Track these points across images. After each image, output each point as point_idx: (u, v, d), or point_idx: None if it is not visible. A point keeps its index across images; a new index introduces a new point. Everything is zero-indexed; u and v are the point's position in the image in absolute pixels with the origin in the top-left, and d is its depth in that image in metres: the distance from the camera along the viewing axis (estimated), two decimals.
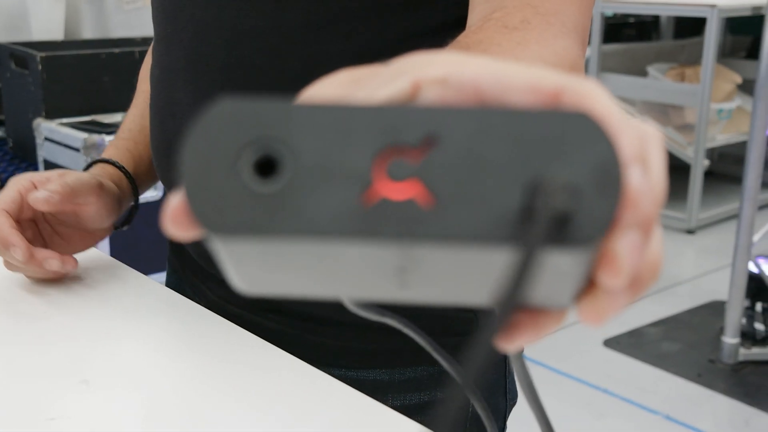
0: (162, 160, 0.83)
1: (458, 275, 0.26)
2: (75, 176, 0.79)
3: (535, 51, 0.51)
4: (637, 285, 0.27)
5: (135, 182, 0.86)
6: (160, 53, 0.80)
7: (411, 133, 0.24)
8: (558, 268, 0.25)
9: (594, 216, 0.24)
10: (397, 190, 0.24)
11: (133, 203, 0.88)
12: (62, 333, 0.70)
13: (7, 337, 0.69)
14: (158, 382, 0.63)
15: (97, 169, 0.85)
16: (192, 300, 0.80)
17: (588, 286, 0.27)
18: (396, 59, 0.32)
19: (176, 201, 0.26)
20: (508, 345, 0.29)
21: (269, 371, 0.65)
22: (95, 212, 0.80)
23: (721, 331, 2.70)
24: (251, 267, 0.27)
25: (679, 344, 2.77)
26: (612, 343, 2.76)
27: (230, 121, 0.24)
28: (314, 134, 0.24)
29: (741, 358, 2.62)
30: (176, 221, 0.26)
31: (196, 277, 0.85)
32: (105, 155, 0.88)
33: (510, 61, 0.44)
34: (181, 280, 0.88)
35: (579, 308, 0.28)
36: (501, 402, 0.84)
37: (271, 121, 0.25)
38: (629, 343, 2.76)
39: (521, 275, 0.23)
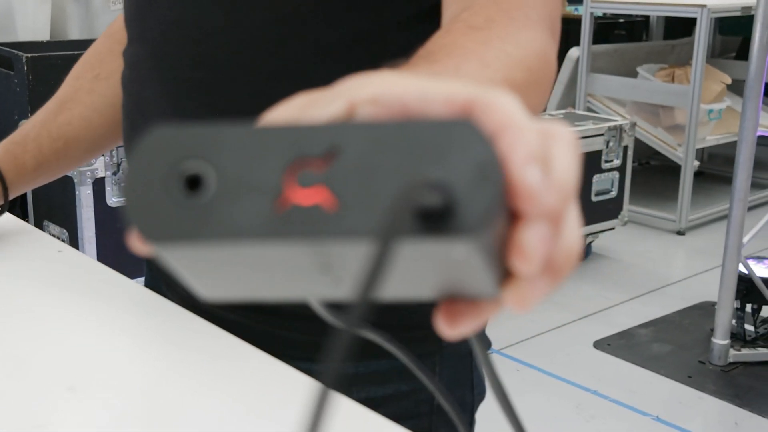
0: None
1: None
2: None
3: (499, 48, 0.53)
4: (555, 271, 0.31)
5: (7, 188, 0.89)
6: (130, 54, 0.82)
7: (315, 146, 0.28)
8: (456, 258, 0.28)
9: (470, 210, 0.27)
10: (305, 197, 0.28)
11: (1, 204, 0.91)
12: (46, 339, 0.71)
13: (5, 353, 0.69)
14: (140, 386, 0.64)
15: None
16: (167, 297, 0.82)
17: (510, 275, 0.31)
18: (343, 78, 0.36)
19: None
20: (451, 331, 0.32)
21: (239, 366, 0.67)
22: None
23: (711, 332, 2.71)
24: (199, 273, 0.31)
25: (669, 345, 2.78)
26: (602, 344, 2.77)
27: (162, 146, 0.29)
28: (233, 153, 0.28)
29: (731, 359, 2.63)
30: (134, 237, 0.30)
31: (170, 275, 0.86)
32: None
33: (472, 61, 0.50)
34: (156, 279, 0.90)
35: (504, 295, 0.31)
36: (468, 395, 0.85)
37: (196, 144, 0.29)
38: (619, 345, 2.77)
39: (377, 265, 0.26)
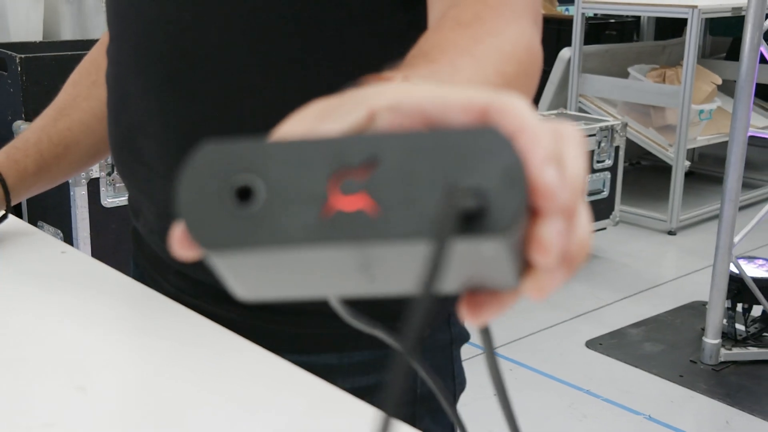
0: (118, 153, 0.86)
1: (411, 267, 0.32)
2: None
3: (490, 43, 0.55)
4: (570, 262, 0.33)
5: (9, 194, 0.91)
6: (112, 51, 0.84)
7: (355, 156, 0.31)
8: (486, 254, 0.31)
9: (502, 210, 0.30)
10: (349, 203, 0.30)
11: (3, 211, 0.92)
12: (54, 339, 0.72)
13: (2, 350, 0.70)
14: (146, 384, 0.65)
15: None
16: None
17: (529, 267, 0.33)
18: (351, 89, 0.39)
19: (179, 229, 0.32)
20: (474, 320, 0.35)
21: (238, 361, 0.69)
22: None
23: (702, 331, 2.72)
24: (244, 276, 0.33)
25: (661, 345, 2.79)
26: (594, 344, 2.78)
27: (213, 161, 0.31)
28: (279, 165, 0.31)
29: (722, 358, 2.64)
30: (181, 244, 0.32)
31: (155, 270, 0.88)
32: None
33: (465, 57, 0.52)
34: (143, 275, 0.91)
35: (523, 286, 0.34)
36: (449, 385, 0.88)
37: (245, 159, 0.31)
38: (611, 344, 2.78)
39: (436, 263, 0.28)
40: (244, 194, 0.31)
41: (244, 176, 0.31)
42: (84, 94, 0.98)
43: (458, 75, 0.50)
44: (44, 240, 0.95)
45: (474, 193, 0.30)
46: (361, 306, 0.42)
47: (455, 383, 0.88)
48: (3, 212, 0.92)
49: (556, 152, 0.32)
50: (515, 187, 0.30)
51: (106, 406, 0.62)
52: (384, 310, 0.79)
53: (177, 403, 0.62)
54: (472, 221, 0.30)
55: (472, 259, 0.31)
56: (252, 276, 0.33)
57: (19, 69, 2.26)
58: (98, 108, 0.97)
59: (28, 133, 0.96)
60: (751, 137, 2.67)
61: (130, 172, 0.85)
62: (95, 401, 0.62)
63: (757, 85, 2.60)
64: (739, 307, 2.70)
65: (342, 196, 0.30)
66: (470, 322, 0.35)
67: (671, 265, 3.59)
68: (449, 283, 0.34)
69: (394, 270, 0.32)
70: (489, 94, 0.33)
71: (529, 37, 0.59)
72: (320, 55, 0.74)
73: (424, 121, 0.34)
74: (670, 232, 3.86)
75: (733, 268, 2.62)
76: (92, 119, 0.97)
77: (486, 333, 0.38)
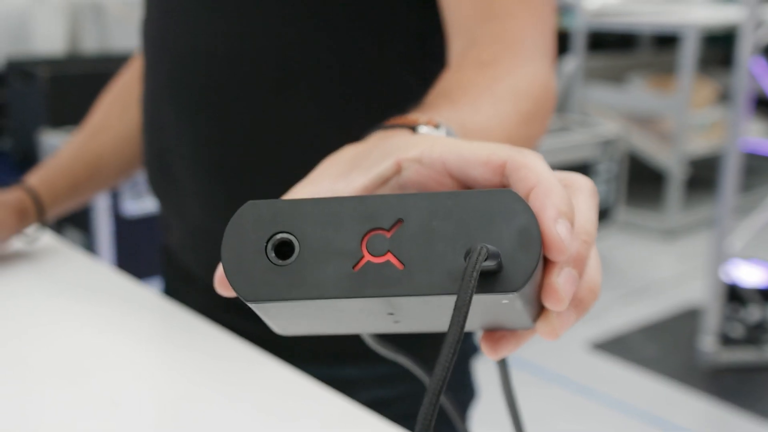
0: (152, 174, 0.89)
1: (434, 313, 0.35)
2: None
3: (508, 83, 0.58)
4: (581, 305, 0.35)
5: (44, 212, 0.93)
6: (146, 79, 0.87)
7: (384, 218, 0.33)
8: (504, 305, 0.33)
9: (517, 271, 0.32)
10: (376, 258, 0.33)
11: (37, 225, 0.95)
12: (87, 355, 0.73)
13: (29, 359, 0.72)
14: (180, 401, 0.66)
15: (17, 192, 0.93)
16: (184, 302, 0.86)
17: (542, 309, 0.35)
18: (377, 136, 0.42)
19: (220, 272, 0.35)
20: (492, 355, 0.37)
21: (262, 377, 0.70)
22: None
23: (699, 334, 2.73)
24: (280, 318, 0.35)
25: (659, 347, 2.80)
26: (594, 346, 2.79)
27: (254, 218, 0.33)
28: (315, 224, 0.33)
29: (719, 361, 2.65)
30: (222, 286, 0.35)
31: (185, 285, 0.90)
32: (31, 179, 0.96)
33: (485, 96, 0.55)
34: (172, 289, 0.94)
35: (537, 327, 0.35)
36: (461, 397, 0.89)
37: (283, 217, 0.33)
38: (611, 347, 2.79)
39: (460, 316, 0.30)
40: (282, 249, 0.33)
41: (282, 233, 0.33)
42: (115, 117, 1.00)
43: (478, 115, 0.52)
44: (75, 255, 0.97)
45: (492, 255, 0.31)
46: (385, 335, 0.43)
47: (467, 393, 0.90)
48: (38, 230, 0.95)
49: (568, 204, 0.33)
50: (530, 250, 0.32)
51: (137, 420, 0.63)
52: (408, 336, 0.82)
53: (202, 419, 0.63)
54: (489, 279, 0.31)
55: (489, 307, 0.33)
56: (286, 318, 0.35)
57: (44, 82, 2.32)
58: (128, 130, 0.99)
59: (61, 154, 0.99)
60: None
61: (162, 190, 0.88)
62: (127, 415, 0.63)
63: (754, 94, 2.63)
64: (736, 310, 2.71)
65: (371, 255, 0.33)
66: (488, 356, 0.37)
67: (669, 269, 3.58)
68: (469, 326, 0.36)
69: (417, 314, 0.35)
70: (507, 150, 0.35)
71: (543, 75, 0.61)
72: (348, 85, 0.76)
73: (446, 173, 0.36)
74: (668, 237, 3.88)
75: (729, 272, 2.64)
76: (122, 142, 0.99)
77: (503, 364, 0.41)
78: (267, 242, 0.33)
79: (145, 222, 2.32)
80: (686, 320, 3.02)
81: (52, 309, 0.82)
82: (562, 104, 4.18)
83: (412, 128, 0.44)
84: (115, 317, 0.81)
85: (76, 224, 2.40)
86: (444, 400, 0.52)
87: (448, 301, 0.32)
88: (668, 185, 3.88)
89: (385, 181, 0.38)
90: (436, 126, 0.45)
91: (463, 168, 0.36)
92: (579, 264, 0.34)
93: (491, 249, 0.31)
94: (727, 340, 2.71)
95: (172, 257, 0.94)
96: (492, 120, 0.53)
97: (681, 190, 3.88)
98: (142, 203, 2.32)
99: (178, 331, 0.78)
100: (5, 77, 2.60)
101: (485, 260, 0.31)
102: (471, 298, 0.30)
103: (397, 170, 0.37)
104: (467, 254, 0.32)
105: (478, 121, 0.51)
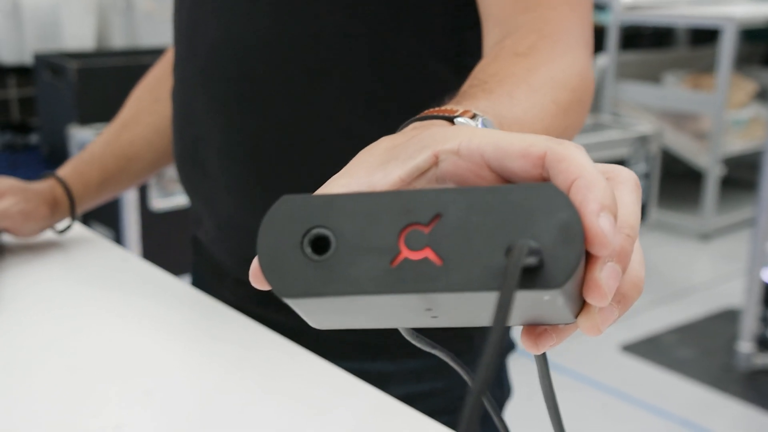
0: (182, 166, 0.89)
1: (472, 309, 0.34)
2: (17, 202, 0.90)
3: (545, 73, 0.57)
4: (624, 300, 0.35)
5: (75, 204, 0.95)
6: (179, 70, 0.87)
7: (423, 213, 0.32)
8: (545, 301, 0.32)
9: (559, 267, 0.31)
10: (415, 255, 0.32)
11: (69, 218, 0.96)
12: (120, 344, 0.75)
13: (67, 349, 0.73)
14: (211, 389, 0.67)
15: (49, 182, 0.95)
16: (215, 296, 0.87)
17: (584, 304, 0.34)
18: (413, 127, 0.41)
19: (255, 267, 0.34)
20: (533, 350, 0.37)
21: (294, 368, 0.71)
22: (24, 231, 0.92)
23: (736, 337, 2.72)
24: (316, 313, 0.35)
25: (695, 350, 2.79)
26: (628, 348, 2.79)
27: (290, 214, 0.33)
28: (352, 219, 0.33)
29: (756, 364, 2.64)
30: (257, 280, 0.34)
31: (216, 278, 0.91)
32: (62, 170, 0.97)
33: (522, 87, 0.54)
34: (202, 283, 0.94)
35: (579, 323, 0.35)
36: (496, 393, 0.89)
37: (319, 212, 0.33)
38: (645, 349, 2.79)
39: (502, 312, 0.29)
40: (319, 245, 0.33)
41: (318, 228, 0.33)
42: (146, 110, 1.01)
43: (516, 106, 0.51)
44: (106, 247, 0.98)
45: (533, 251, 0.31)
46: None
47: (503, 391, 0.89)
48: (69, 222, 0.96)
49: (611, 198, 0.32)
50: (572, 245, 0.31)
51: (171, 409, 0.64)
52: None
53: (235, 410, 0.63)
54: (530, 275, 0.31)
55: (531, 303, 0.33)
56: (322, 313, 0.35)
57: (74, 76, 2.33)
58: (160, 123, 1.00)
59: (92, 146, 1.00)
60: None
61: (192, 183, 0.88)
62: (161, 405, 0.64)
63: None
64: None
65: (408, 250, 0.32)
66: (529, 350, 0.36)
67: (705, 271, 3.57)
68: (510, 321, 0.35)
69: (455, 310, 0.34)
70: (546, 141, 0.34)
71: (581, 65, 0.61)
72: (383, 77, 0.76)
73: (485, 165, 0.35)
74: (704, 238, 3.85)
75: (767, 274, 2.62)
76: (154, 134, 1.00)
77: (542, 358, 0.40)
78: (303, 237, 0.33)
79: (172, 218, 2.33)
80: (722, 323, 3.00)
81: (86, 299, 0.83)
82: (594, 102, 4.14)
83: (449, 119, 0.44)
84: (149, 308, 0.82)
85: (103, 221, 2.41)
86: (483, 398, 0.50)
87: (488, 297, 0.32)
88: (704, 185, 3.84)
89: (422, 173, 0.37)
90: (473, 117, 0.44)
91: (501, 160, 0.35)
92: (622, 259, 0.33)
93: (533, 245, 0.31)
94: (764, 344, 2.69)
95: (202, 251, 0.94)
96: (529, 111, 0.52)
97: (717, 190, 3.82)
98: (170, 200, 2.32)
99: (212, 323, 0.79)
100: (34, 72, 2.63)
101: (527, 257, 0.30)
102: (513, 296, 0.29)
103: (435, 162, 0.36)
104: (508, 250, 0.31)
105: (516, 112, 0.50)
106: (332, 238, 0.33)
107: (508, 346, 0.89)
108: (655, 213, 3.54)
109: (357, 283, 0.32)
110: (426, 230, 0.32)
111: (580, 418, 2.39)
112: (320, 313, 0.35)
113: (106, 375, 0.68)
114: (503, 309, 0.29)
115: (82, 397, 0.65)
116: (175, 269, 1.04)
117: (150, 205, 2.32)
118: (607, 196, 0.32)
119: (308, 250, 0.33)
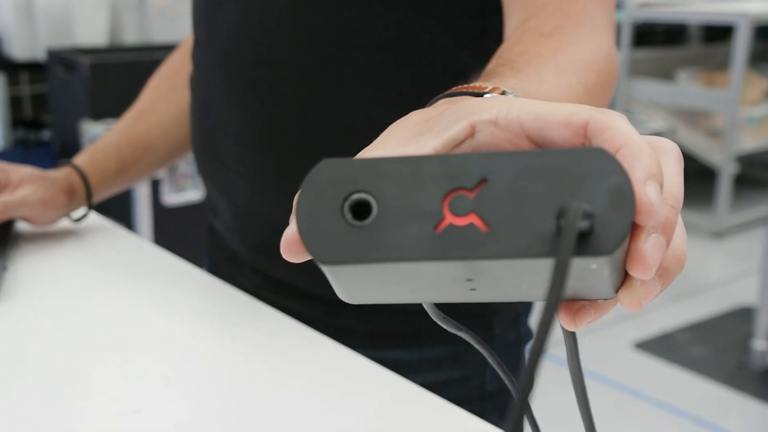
0: (199, 154, 0.88)
1: (514, 280, 0.33)
2: (31, 190, 0.90)
3: (572, 54, 0.56)
4: (666, 275, 0.34)
5: (91, 193, 0.95)
6: (198, 56, 0.86)
7: (468, 177, 0.31)
8: (591, 271, 0.31)
9: (611, 231, 0.30)
10: (460, 220, 0.31)
11: (86, 207, 0.96)
12: (137, 328, 0.75)
13: (85, 335, 0.73)
14: (227, 374, 0.67)
15: (66, 171, 0.94)
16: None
17: (626, 278, 0.33)
18: (444, 101, 0.39)
19: (290, 234, 0.33)
20: (570, 326, 0.35)
21: (312, 355, 0.70)
22: (43, 219, 0.91)
23: (750, 335, 2.71)
24: (353, 284, 0.34)
25: (709, 348, 2.78)
26: (641, 346, 2.78)
27: (330, 178, 0.32)
28: (394, 184, 0.32)
29: None
30: (290, 250, 0.33)
31: (232, 267, 0.90)
32: (79, 159, 0.97)
33: (549, 66, 0.52)
34: (218, 271, 0.94)
35: (620, 297, 0.34)
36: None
37: (360, 176, 0.32)
38: (659, 347, 2.78)
39: (558, 280, 0.28)
40: (360, 210, 0.32)
41: (359, 193, 0.32)
42: (163, 99, 1.00)
43: (544, 85, 0.50)
44: (122, 236, 0.98)
45: (587, 215, 0.30)
46: (445, 306, 0.43)
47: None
48: (85, 210, 0.96)
49: (657, 167, 0.32)
50: (624, 211, 0.30)
51: (188, 395, 0.64)
52: (468, 307, 0.80)
53: (254, 395, 0.63)
54: (581, 241, 0.30)
55: (576, 273, 0.31)
56: (358, 283, 0.34)
57: (87, 72, 2.33)
58: (176, 112, 0.99)
59: (109, 135, 0.99)
60: None
61: (210, 171, 0.87)
62: (179, 390, 0.64)
63: None
64: None
65: (453, 216, 0.31)
66: (567, 327, 0.36)
67: (719, 269, 3.57)
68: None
69: (497, 281, 0.33)
70: (588, 110, 0.33)
71: (607, 48, 0.60)
72: (404, 62, 0.75)
73: (524, 136, 0.34)
74: (718, 236, 3.84)
75: None
76: (170, 123, 0.99)
77: (572, 336, 0.39)
78: (343, 202, 0.32)
79: (184, 213, 2.33)
80: (736, 321, 3.00)
81: (103, 285, 0.84)
82: None
83: (479, 95, 0.43)
84: (166, 294, 0.82)
85: (115, 215, 2.42)
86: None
87: (534, 266, 0.31)
88: (718, 183, 3.82)
89: (458, 144, 0.36)
90: (503, 93, 0.43)
91: (542, 129, 0.34)
92: (667, 230, 0.32)
93: (587, 208, 0.30)
94: None
95: (218, 239, 0.93)
96: (557, 91, 0.51)
97: (731, 188, 3.80)
98: (182, 195, 2.32)
99: (230, 309, 0.79)
100: (46, 68, 2.63)
101: (581, 220, 0.29)
102: (570, 258, 0.28)
103: (471, 133, 0.35)
104: (560, 214, 0.30)
105: (543, 92, 0.49)
106: (373, 204, 0.32)
107: (529, 335, 0.88)
108: None
109: (399, 250, 0.31)
110: (471, 195, 0.31)
111: (594, 416, 2.37)
112: (356, 282, 0.34)
113: (123, 360, 0.69)
114: (560, 272, 0.28)
115: (99, 382, 0.65)
116: (190, 260, 1.04)
117: (162, 200, 2.32)
118: (654, 165, 0.31)
119: (349, 215, 0.32)
